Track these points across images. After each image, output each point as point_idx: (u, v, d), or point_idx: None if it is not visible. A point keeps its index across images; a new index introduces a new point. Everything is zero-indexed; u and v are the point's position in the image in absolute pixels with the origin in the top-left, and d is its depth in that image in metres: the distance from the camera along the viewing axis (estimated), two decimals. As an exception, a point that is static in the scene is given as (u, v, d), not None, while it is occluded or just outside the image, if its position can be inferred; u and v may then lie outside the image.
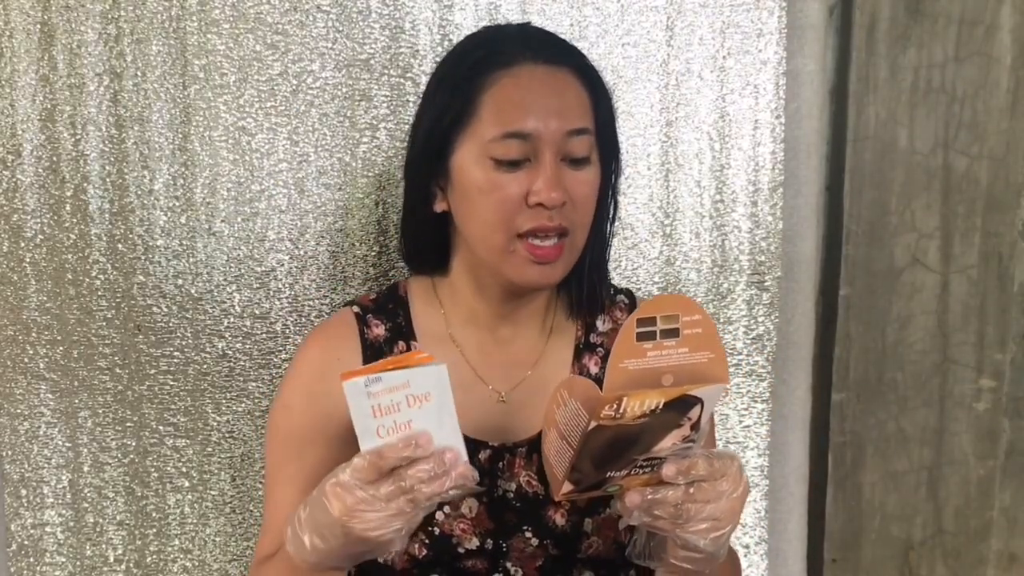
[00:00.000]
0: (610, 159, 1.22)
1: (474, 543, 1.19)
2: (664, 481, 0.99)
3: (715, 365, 0.97)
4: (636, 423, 0.95)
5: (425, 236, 1.25)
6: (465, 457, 0.99)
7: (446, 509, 1.18)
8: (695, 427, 0.98)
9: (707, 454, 1.00)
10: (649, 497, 0.99)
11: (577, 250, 1.19)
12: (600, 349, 1.27)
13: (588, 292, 1.25)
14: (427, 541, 1.18)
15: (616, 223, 1.27)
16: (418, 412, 0.97)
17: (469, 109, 1.15)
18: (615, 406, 0.93)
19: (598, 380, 0.98)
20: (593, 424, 0.94)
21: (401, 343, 1.24)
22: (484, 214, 1.15)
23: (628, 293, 1.31)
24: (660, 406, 0.94)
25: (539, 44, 1.18)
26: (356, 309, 1.25)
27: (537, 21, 1.47)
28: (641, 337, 0.94)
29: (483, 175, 1.14)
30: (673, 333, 0.95)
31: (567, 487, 1.02)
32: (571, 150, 1.14)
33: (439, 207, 1.21)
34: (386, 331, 1.24)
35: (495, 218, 1.14)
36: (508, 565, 1.20)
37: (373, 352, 1.22)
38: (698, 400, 0.96)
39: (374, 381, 0.96)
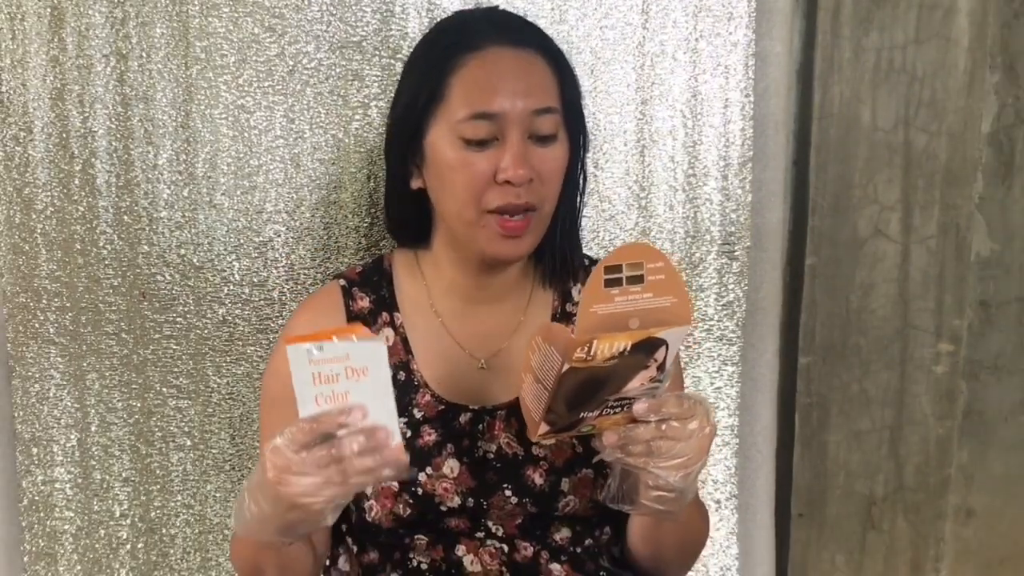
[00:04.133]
0: (577, 135, 1.23)
1: (456, 502, 1.20)
2: (636, 420, 1.02)
3: (678, 308, 0.99)
4: (606, 365, 0.98)
5: (406, 211, 1.28)
6: (398, 439, 0.99)
7: (428, 470, 1.20)
8: (661, 368, 1.01)
9: (677, 395, 1.04)
10: (623, 434, 1.02)
11: (545, 223, 1.21)
12: (576, 317, 1.31)
13: (561, 261, 1.27)
14: (411, 501, 1.19)
15: (586, 196, 1.28)
16: (355, 385, 0.97)
17: (439, 92, 1.17)
18: (586, 348, 0.96)
19: None
20: (567, 367, 0.97)
21: (385, 314, 1.26)
22: (455, 190, 1.17)
23: None
24: (628, 348, 0.98)
25: (505, 27, 1.20)
26: (343, 283, 1.28)
27: (520, 5, 1.48)
28: (608, 284, 0.97)
29: (454, 154, 1.16)
30: (638, 279, 0.98)
31: (543, 428, 1.05)
32: (537, 128, 1.16)
33: (415, 184, 1.23)
34: (370, 303, 1.26)
35: (465, 194, 1.16)
36: (489, 524, 1.22)
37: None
38: (663, 342, 0.99)
39: (317, 349, 0.96)
